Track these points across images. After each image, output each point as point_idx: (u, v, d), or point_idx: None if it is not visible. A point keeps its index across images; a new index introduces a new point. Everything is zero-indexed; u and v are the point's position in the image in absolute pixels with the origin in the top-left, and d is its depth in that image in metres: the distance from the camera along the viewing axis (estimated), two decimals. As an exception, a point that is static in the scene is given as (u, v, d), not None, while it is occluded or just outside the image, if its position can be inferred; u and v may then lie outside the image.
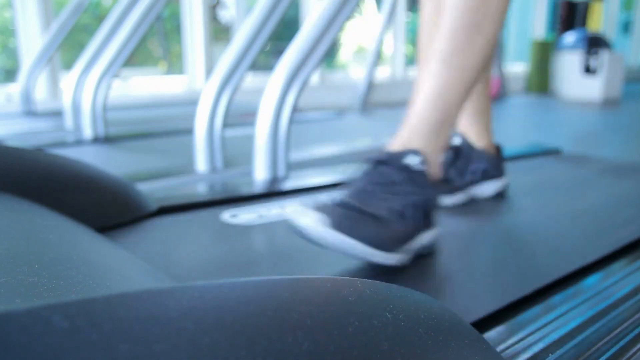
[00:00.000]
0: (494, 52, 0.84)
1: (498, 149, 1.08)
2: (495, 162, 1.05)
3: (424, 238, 0.73)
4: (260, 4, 1.32)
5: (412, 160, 0.73)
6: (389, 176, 0.71)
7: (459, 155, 1.03)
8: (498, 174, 1.05)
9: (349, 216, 0.65)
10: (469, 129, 1.06)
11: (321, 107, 3.20)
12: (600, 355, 0.50)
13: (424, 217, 0.72)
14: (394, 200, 0.69)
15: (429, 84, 0.76)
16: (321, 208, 0.65)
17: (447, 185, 0.99)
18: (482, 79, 1.05)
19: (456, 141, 1.04)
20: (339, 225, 0.63)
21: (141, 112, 2.58)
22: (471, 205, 1.00)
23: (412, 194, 0.70)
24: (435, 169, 0.76)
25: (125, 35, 1.79)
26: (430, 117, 0.75)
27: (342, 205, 0.67)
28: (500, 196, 1.05)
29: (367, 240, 0.65)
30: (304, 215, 0.64)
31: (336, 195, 0.70)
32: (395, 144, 0.75)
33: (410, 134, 0.75)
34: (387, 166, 0.72)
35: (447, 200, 0.98)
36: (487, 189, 1.04)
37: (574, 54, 5.07)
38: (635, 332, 0.55)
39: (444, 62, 0.75)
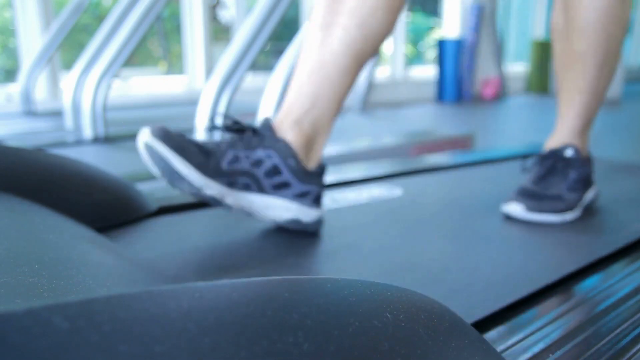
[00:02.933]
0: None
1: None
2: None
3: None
4: (260, 4, 1.32)
5: (569, 153, 0.96)
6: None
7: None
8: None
9: (532, 198, 0.86)
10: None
11: (321, 107, 3.19)
12: (600, 355, 0.50)
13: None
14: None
15: (580, 106, 0.97)
16: (517, 200, 0.86)
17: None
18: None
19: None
20: (531, 208, 0.84)
21: (141, 112, 2.58)
22: (473, 206, 1.00)
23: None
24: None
25: (125, 35, 1.79)
26: (579, 124, 0.99)
27: (525, 193, 0.90)
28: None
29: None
30: (511, 206, 0.88)
31: None
32: (553, 142, 0.97)
33: (565, 136, 0.97)
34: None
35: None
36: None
37: (574, 54, 5.05)
38: (635, 332, 0.55)
39: (590, 94, 0.96)
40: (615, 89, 5.04)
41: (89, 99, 1.79)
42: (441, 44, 5.36)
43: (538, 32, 6.41)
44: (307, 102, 0.78)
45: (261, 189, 0.76)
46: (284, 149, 0.76)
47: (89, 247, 0.58)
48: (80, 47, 2.25)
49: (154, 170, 0.72)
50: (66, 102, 1.98)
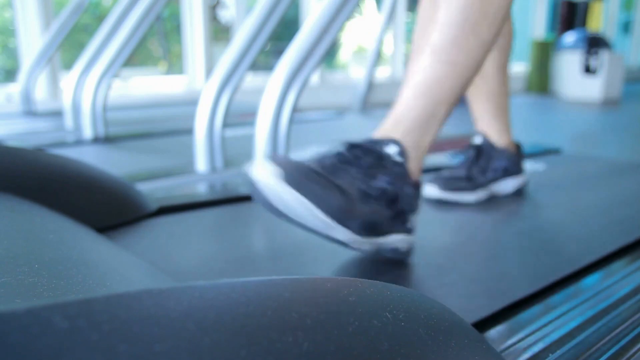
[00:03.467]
0: (503, 55, 1.00)
1: (518, 147, 1.12)
2: (515, 160, 1.09)
3: (395, 240, 0.69)
4: (260, 4, 1.32)
5: (390, 150, 0.70)
6: (362, 160, 0.68)
7: (481, 153, 1.09)
8: (518, 171, 1.10)
9: (306, 174, 0.60)
10: (489, 128, 1.10)
11: (321, 107, 3.20)
12: (600, 355, 0.50)
13: (395, 214, 0.68)
14: (361, 180, 0.65)
15: (417, 76, 0.74)
16: (280, 162, 0.60)
17: (470, 182, 1.03)
18: (501, 78, 1.08)
19: (477, 140, 1.10)
20: (292, 180, 0.58)
21: (141, 112, 2.58)
22: (471, 205, 1.01)
23: (383, 182, 0.67)
24: (416, 166, 0.72)
25: (125, 35, 1.79)
26: (416, 109, 0.73)
27: (304, 166, 0.62)
28: (519, 192, 1.10)
29: (319, 203, 0.59)
30: (260, 168, 0.59)
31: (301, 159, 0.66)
32: (377, 133, 0.73)
33: (394, 125, 0.72)
34: (362, 150, 0.69)
35: (470, 197, 1.02)
36: (507, 186, 1.08)
37: (574, 54, 5.07)
38: (635, 332, 0.55)
39: (435, 54, 0.73)
40: (615, 89, 5.05)
41: (89, 99, 1.79)
42: (441, 44, 5.34)
43: (538, 32, 6.41)
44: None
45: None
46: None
47: (89, 247, 0.58)
48: (80, 47, 2.25)
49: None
50: (66, 102, 1.98)
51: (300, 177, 0.59)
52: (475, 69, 0.75)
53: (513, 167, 1.09)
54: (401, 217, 0.69)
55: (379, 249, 0.69)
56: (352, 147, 0.69)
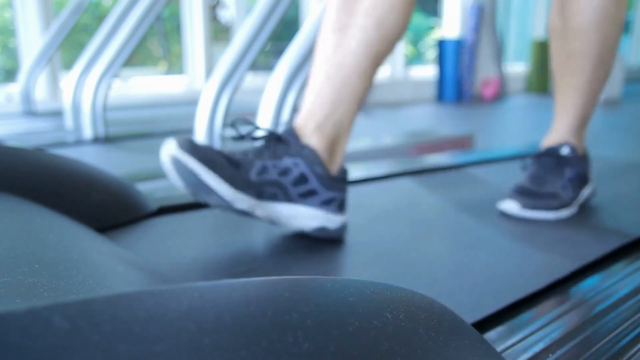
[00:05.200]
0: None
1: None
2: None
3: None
4: (260, 4, 1.32)
5: (565, 151, 0.97)
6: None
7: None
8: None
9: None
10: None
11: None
12: (600, 355, 0.50)
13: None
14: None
15: (576, 105, 0.98)
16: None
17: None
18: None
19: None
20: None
21: (141, 112, 2.58)
22: (470, 205, 1.01)
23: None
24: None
25: (125, 35, 1.79)
26: (575, 123, 1.00)
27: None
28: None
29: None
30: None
31: None
32: (549, 140, 0.99)
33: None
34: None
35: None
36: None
37: (574, 54, 5.05)
38: (635, 332, 0.55)
39: (586, 93, 0.97)
40: (615, 89, 5.04)
41: (89, 99, 1.79)
42: (441, 44, 5.36)
43: (538, 32, 6.41)
44: (327, 106, 0.77)
45: (288, 198, 0.74)
46: (310, 155, 0.74)
47: (89, 247, 0.58)
48: (80, 47, 2.25)
49: (178, 183, 0.69)
50: (66, 102, 1.98)
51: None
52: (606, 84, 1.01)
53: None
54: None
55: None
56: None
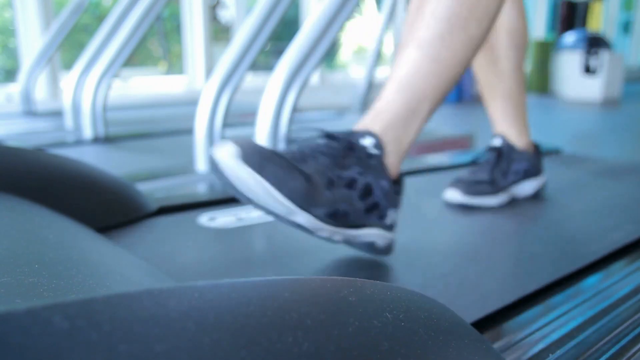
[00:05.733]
0: (478, 52, 0.85)
1: (537, 147, 1.12)
2: (535, 161, 1.09)
3: (369, 234, 0.68)
4: (260, 4, 1.32)
5: (366, 142, 0.68)
6: (336, 150, 0.67)
7: (501, 156, 1.07)
8: (537, 172, 1.09)
9: (267, 156, 0.59)
10: (508, 130, 1.09)
11: (321, 107, 3.20)
12: (600, 355, 0.50)
13: (368, 207, 0.67)
14: (330, 169, 0.65)
15: (401, 70, 0.72)
16: (241, 143, 0.58)
17: (492, 186, 1.02)
18: (518, 77, 1.08)
19: (497, 142, 1.08)
20: (251, 159, 0.57)
21: (141, 112, 2.58)
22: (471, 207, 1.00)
23: (354, 172, 0.66)
24: (395, 161, 0.71)
25: (125, 35, 1.79)
26: (396, 103, 0.71)
27: (266, 149, 0.61)
28: (538, 194, 1.09)
29: (278, 185, 0.58)
30: (221, 148, 0.58)
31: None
32: (356, 125, 0.71)
33: (374, 118, 0.71)
34: (337, 141, 0.68)
35: (493, 201, 1.01)
36: (527, 188, 1.08)
37: (574, 54, 5.07)
38: (635, 332, 0.55)
39: (421, 49, 0.71)
40: (615, 89, 5.04)
41: (89, 99, 1.79)
42: (441, 44, 5.35)
43: (538, 32, 6.41)
44: (514, 116, 0.88)
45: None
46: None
47: (89, 247, 0.58)
48: (80, 47, 2.25)
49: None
50: (66, 102, 1.98)
51: (260, 158, 0.58)
52: (462, 66, 0.74)
53: (533, 168, 1.08)
54: (376, 211, 0.68)
55: (350, 241, 0.68)
56: (328, 137, 0.68)
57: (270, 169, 0.58)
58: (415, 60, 0.72)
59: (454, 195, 1.00)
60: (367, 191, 0.67)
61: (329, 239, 0.66)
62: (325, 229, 0.64)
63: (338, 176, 0.65)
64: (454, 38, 0.71)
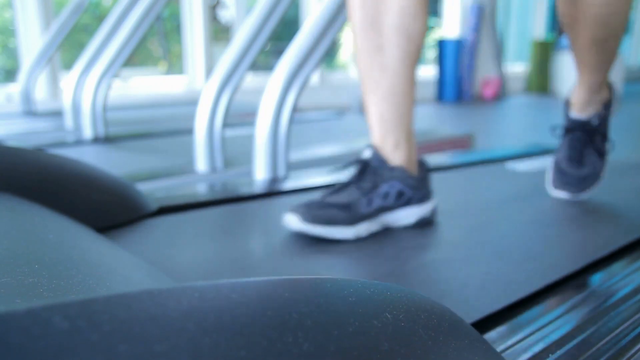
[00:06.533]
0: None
1: (422, 165, 0.89)
2: (414, 182, 0.85)
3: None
4: (260, 4, 1.32)
5: (595, 122, 1.03)
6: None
7: (366, 172, 0.85)
8: (420, 197, 0.86)
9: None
10: (383, 139, 0.85)
11: (321, 107, 3.20)
12: (600, 355, 0.50)
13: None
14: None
15: (591, 74, 1.01)
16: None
17: (348, 212, 0.80)
18: (408, 75, 0.85)
19: (366, 154, 0.86)
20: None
21: (141, 112, 2.58)
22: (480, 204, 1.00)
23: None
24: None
25: (125, 35, 1.79)
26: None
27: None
28: (425, 223, 0.87)
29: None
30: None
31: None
32: (577, 104, 1.04)
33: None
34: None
35: (344, 232, 0.79)
36: (403, 216, 0.85)
37: (574, 54, 5.05)
38: (635, 332, 0.55)
39: (599, 68, 1.00)
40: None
41: (89, 99, 1.79)
42: (441, 44, 5.36)
43: (538, 32, 6.41)
44: (394, 123, 0.86)
45: (392, 209, 0.85)
46: (401, 175, 0.85)
47: (89, 247, 0.58)
48: (80, 47, 2.25)
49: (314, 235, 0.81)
50: (66, 102, 1.98)
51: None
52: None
53: (411, 192, 0.85)
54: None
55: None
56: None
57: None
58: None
59: (292, 220, 0.79)
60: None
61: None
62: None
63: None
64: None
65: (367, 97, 0.86)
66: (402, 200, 0.85)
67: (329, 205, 0.80)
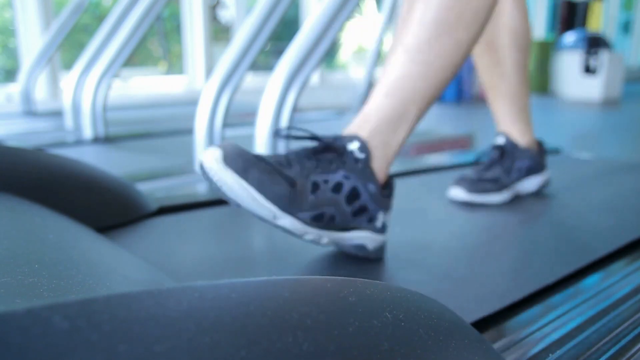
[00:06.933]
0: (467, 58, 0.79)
1: (540, 145, 1.14)
2: (537, 158, 1.11)
3: (358, 236, 0.70)
4: (260, 4, 1.32)
5: (353, 147, 0.69)
6: (322, 154, 0.69)
7: (504, 154, 1.09)
8: (540, 169, 1.11)
9: (250, 161, 0.61)
10: (511, 128, 1.11)
11: (321, 107, 3.20)
12: (600, 355, 0.50)
13: (356, 211, 0.68)
14: (315, 173, 0.66)
15: (389, 74, 0.73)
16: (226, 147, 0.61)
17: (496, 183, 1.04)
18: (521, 78, 1.10)
19: (500, 141, 1.10)
20: (234, 164, 0.60)
21: (141, 112, 2.58)
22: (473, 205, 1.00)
23: (340, 176, 0.68)
24: (383, 165, 0.72)
25: (125, 35, 1.79)
26: (385, 108, 0.72)
27: (250, 153, 0.63)
28: (541, 190, 1.11)
29: (261, 189, 0.61)
30: (207, 152, 0.61)
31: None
32: (344, 130, 0.72)
33: (362, 122, 0.72)
34: (324, 146, 0.69)
35: (496, 198, 1.03)
36: (530, 184, 1.10)
37: (574, 54, 5.07)
38: (635, 332, 0.55)
39: (408, 54, 0.72)
40: (615, 89, 5.04)
41: (89, 99, 1.79)
42: (441, 44, 5.35)
43: (538, 32, 6.41)
44: (515, 117, 0.90)
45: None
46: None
47: (89, 247, 0.58)
48: (80, 47, 2.25)
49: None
50: (66, 102, 1.98)
51: (244, 162, 0.61)
52: (450, 70, 0.74)
53: (536, 165, 1.10)
54: (365, 215, 0.69)
55: (338, 243, 0.70)
56: (315, 141, 0.70)
57: (253, 174, 0.61)
58: (404, 65, 0.72)
59: (457, 193, 1.02)
60: (353, 195, 0.68)
61: (316, 242, 0.67)
62: (311, 232, 0.65)
63: (324, 180, 0.66)
64: (442, 43, 0.72)
65: (492, 98, 1.12)
66: (530, 172, 1.09)
67: (483, 180, 1.03)
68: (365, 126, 0.71)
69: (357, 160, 0.69)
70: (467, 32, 0.73)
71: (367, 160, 0.69)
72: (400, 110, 0.72)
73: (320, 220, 0.66)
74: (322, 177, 0.67)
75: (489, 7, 0.74)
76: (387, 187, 0.72)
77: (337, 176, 0.67)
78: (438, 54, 0.72)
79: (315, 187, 0.66)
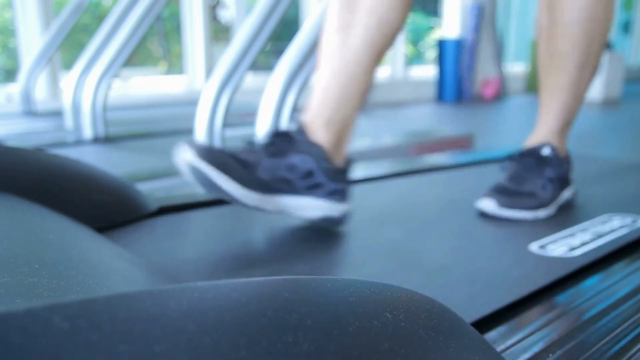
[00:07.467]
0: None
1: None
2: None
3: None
4: (260, 4, 1.32)
5: (546, 152, 0.96)
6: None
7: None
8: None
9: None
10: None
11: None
12: (600, 355, 0.50)
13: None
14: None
15: (560, 105, 0.98)
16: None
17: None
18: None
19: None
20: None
21: (141, 112, 2.58)
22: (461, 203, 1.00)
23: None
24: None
25: (125, 35, 1.79)
26: (558, 124, 0.99)
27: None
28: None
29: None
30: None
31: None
32: (531, 141, 0.98)
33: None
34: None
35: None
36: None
37: (574, 54, 5.05)
38: (635, 332, 0.55)
39: (570, 93, 0.97)
40: (615, 89, 5.04)
41: (89, 99, 1.79)
42: (441, 44, 5.36)
43: (538, 32, 6.40)
44: (335, 102, 0.83)
45: (295, 191, 0.79)
46: (318, 152, 0.79)
47: (89, 247, 0.58)
48: (80, 47, 2.25)
49: (194, 183, 0.75)
50: (66, 102, 1.98)
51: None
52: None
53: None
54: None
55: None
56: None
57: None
58: (567, 99, 0.97)
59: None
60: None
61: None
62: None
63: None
64: (586, 77, 0.97)
65: (319, 68, 0.86)
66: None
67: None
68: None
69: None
70: (597, 60, 0.98)
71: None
72: (568, 123, 0.96)
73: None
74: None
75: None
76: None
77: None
78: (586, 83, 1.00)
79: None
